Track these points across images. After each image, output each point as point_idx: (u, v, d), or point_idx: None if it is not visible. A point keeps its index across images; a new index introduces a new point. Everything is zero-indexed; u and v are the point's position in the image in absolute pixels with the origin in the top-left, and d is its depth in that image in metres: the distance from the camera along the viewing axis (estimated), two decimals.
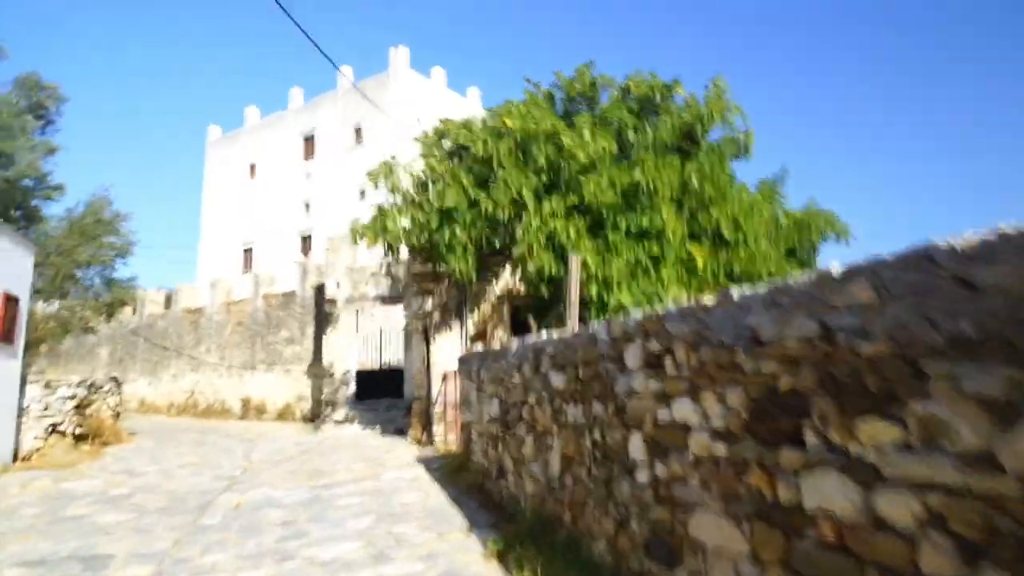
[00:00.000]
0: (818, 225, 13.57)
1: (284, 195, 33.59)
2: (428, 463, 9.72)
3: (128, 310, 25.73)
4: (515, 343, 6.25)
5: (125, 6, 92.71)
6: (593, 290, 10.73)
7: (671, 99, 13.90)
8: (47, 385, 10.96)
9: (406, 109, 30.54)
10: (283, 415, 19.61)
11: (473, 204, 11.63)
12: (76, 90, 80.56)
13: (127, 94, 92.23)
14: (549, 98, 13.78)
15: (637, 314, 3.63)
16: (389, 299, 17.29)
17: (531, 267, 10.91)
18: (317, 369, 18.49)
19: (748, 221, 13.91)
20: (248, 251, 34.38)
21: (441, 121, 13.62)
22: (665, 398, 3.29)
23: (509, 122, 11.79)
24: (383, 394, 16.91)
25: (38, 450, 10.67)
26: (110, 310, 14.49)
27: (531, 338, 5.98)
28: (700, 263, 11.52)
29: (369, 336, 17.56)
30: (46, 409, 10.89)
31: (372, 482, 8.33)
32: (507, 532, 5.20)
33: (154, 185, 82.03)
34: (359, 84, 32.91)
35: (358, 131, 31.97)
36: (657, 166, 11.53)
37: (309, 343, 19.35)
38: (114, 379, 14.12)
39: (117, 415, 13.95)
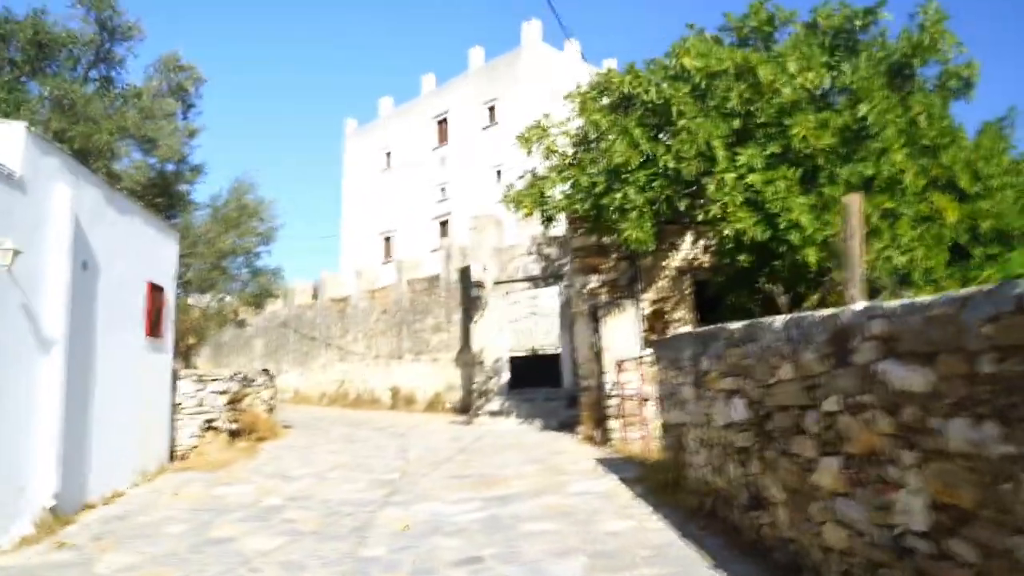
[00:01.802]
0: None
1: (420, 181, 33.19)
2: (616, 470, 8.05)
3: (279, 302, 26.18)
4: (777, 320, 4.39)
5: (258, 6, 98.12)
6: (811, 256, 8.56)
7: (872, 29, 11.31)
8: (199, 379, 10.39)
9: (540, 84, 29.02)
10: (433, 405, 18.75)
11: (647, 161, 9.77)
12: (217, 80, 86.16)
13: (265, 91, 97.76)
14: (717, 43, 11.57)
15: None
16: (541, 279, 15.79)
17: (727, 231, 8.90)
18: (466, 357, 17.40)
19: (988, 169, 11.12)
20: (388, 239, 34.39)
21: (598, 74, 11.81)
22: None
23: (688, 61, 9.77)
24: (538, 383, 15.47)
25: (194, 447, 10.09)
26: (258, 300, 14.09)
27: (781, 318, 4.15)
28: (951, 217, 9.03)
29: (520, 320, 16.18)
30: (200, 405, 10.30)
31: (557, 497, 6.77)
32: None
33: (295, 179, 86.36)
34: (491, 62, 31.79)
35: (491, 110, 30.84)
36: (886, 100, 9.13)
37: (456, 329, 18.32)
38: (266, 371, 13.62)
39: (271, 409, 13.43)
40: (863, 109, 8.87)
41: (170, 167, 11.82)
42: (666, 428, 7.17)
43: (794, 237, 8.58)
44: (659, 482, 6.62)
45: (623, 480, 7.34)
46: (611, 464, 8.54)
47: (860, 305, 3.45)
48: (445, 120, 33.15)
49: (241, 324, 15.09)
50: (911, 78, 10.93)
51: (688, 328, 9.10)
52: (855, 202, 4.71)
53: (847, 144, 9.21)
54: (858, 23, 11.19)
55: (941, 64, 11.16)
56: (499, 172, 28.83)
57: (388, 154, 35.96)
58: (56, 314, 6.34)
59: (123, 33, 11.04)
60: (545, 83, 28.74)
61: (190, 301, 12.53)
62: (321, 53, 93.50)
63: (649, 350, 10.50)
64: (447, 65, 56.26)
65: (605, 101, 11.44)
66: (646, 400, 9.20)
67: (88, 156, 10.52)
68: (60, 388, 6.27)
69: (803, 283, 9.14)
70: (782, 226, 8.61)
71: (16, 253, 5.68)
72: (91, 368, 7.19)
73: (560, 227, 15.86)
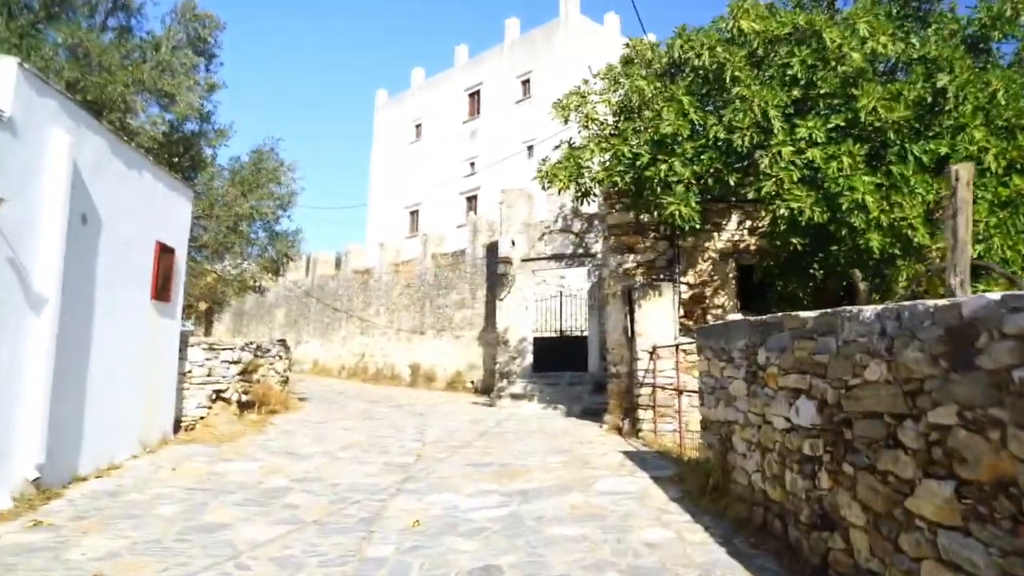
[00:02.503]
0: None
1: (449, 154, 32.46)
2: (648, 466, 7.39)
3: (301, 271, 25.79)
4: (867, 309, 3.67)
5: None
6: (875, 241, 7.74)
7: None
8: (210, 348, 9.90)
9: (577, 58, 28.00)
10: (453, 384, 18.23)
11: (695, 132, 8.97)
12: (248, 50, 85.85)
13: (297, 61, 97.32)
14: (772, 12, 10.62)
15: None
16: (570, 258, 15.07)
17: (782, 210, 8.10)
18: (489, 336, 16.81)
19: None
20: (414, 213, 33.80)
21: (642, 41, 10.96)
22: None
23: (746, 24, 8.92)
24: (563, 366, 14.83)
25: (201, 419, 9.64)
26: (276, 267, 13.58)
27: (871, 308, 3.44)
28: None
29: (547, 300, 15.50)
30: (209, 374, 9.83)
31: (583, 495, 6.14)
32: None
33: (325, 150, 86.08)
34: (527, 34, 30.81)
35: (525, 83, 29.92)
36: (968, 71, 8.23)
37: (480, 307, 17.71)
38: (282, 342, 13.14)
39: (285, 380, 12.98)
40: (943, 79, 7.96)
41: (192, 126, 11.27)
42: (707, 424, 6.48)
43: (857, 220, 7.76)
44: (699, 485, 5.95)
45: (656, 479, 6.67)
46: (643, 459, 7.88)
47: (996, 295, 2.72)
48: (477, 93, 32.30)
49: (260, 290, 14.61)
50: (987, 52, 9.96)
51: (736, 316, 8.34)
52: (965, 173, 3.93)
53: (921, 119, 8.33)
54: None
55: (1018, 40, 10.18)
56: (530, 148, 28.00)
57: (418, 126, 35.26)
58: (49, 270, 5.81)
59: None
60: (583, 57, 27.69)
61: (206, 265, 12.06)
62: (355, 23, 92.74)
63: (687, 338, 9.79)
64: (482, 36, 55.23)
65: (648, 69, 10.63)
66: (682, 391, 8.50)
67: (102, 108, 10.01)
68: (49, 350, 5.76)
69: (863, 270, 8.32)
70: (844, 207, 7.79)
71: (0, 201, 5.14)
72: (89, 331, 6.68)
73: (593, 204, 15.12)
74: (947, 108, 8.39)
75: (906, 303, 3.40)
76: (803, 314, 4.46)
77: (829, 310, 4.22)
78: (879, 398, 3.53)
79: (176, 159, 11.07)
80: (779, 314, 4.85)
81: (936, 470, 2.99)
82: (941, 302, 3.04)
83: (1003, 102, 8.77)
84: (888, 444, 3.37)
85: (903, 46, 8.51)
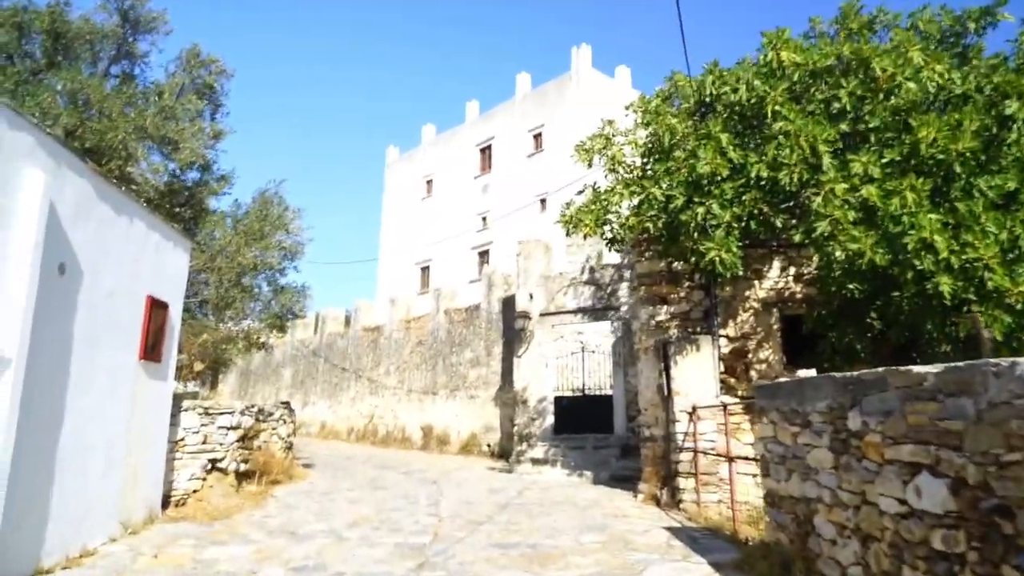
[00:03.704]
0: None
1: (461, 210, 32.09)
2: (700, 548, 6.38)
3: (309, 329, 25.03)
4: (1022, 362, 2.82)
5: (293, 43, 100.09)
6: (946, 286, 6.89)
7: (989, 32, 9.78)
8: (206, 412, 9.05)
9: (589, 110, 27.82)
10: (468, 447, 17.16)
11: (734, 171, 8.26)
12: (259, 107, 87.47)
13: (309, 118, 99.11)
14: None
15: None
16: (592, 311, 14.24)
17: (838, 252, 7.29)
18: (506, 395, 15.85)
19: None
20: (425, 269, 33.23)
21: (666, 80, 10.40)
22: None
23: (786, 55, 8.31)
24: (587, 428, 13.82)
25: (194, 492, 8.71)
26: (281, 323, 12.81)
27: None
28: None
29: (568, 356, 14.60)
30: (204, 442, 8.96)
31: None
32: None
33: (334, 207, 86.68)
34: (539, 88, 30.81)
35: (537, 137, 29.70)
36: None
37: (497, 364, 16.81)
38: (286, 404, 12.25)
39: (289, 447, 12.04)
40: (1012, 106, 7.25)
41: (194, 175, 10.71)
42: (776, 501, 5.52)
43: (925, 262, 6.94)
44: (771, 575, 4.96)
45: (717, 566, 5.67)
46: (692, 538, 6.86)
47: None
48: (489, 147, 32.13)
49: (264, 348, 13.82)
50: None
51: (807, 372, 7.44)
52: None
53: (984, 151, 7.59)
54: (972, 25, 9.68)
55: None
56: (543, 201, 27.57)
57: (429, 182, 35.06)
58: (12, 327, 5.03)
59: (146, 25, 10.07)
60: (594, 109, 27.48)
61: (205, 323, 11.31)
62: (366, 80, 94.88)
63: (731, 397, 8.86)
64: (492, 93, 55.91)
65: (677, 107, 10.04)
66: (733, 458, 7.53)
67: (102, 156, 9.46)
68: (9, 420, 4.93)
69: (932, 318, 7.45)
70: (909, 247, 6.98)
71: None
72: (62, 396, 5.86)
73: (615, 255, 14.37)
74: (1011, 139, 7.68)
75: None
76: (918, 369, 3.61)
77: (960, 363, 3.37)
78: None
79: (178, 209, 10.47)
80: (879, 369, 3.98)
81: None
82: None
83: None
84: None
85: (964, 73, 7.85)
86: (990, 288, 6.95)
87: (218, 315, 11.24)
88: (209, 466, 8.93)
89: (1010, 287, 6.83)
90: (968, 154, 7.16)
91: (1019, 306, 6.94)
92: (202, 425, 8.91)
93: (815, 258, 8.39)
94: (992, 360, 3.10)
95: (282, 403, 12.17)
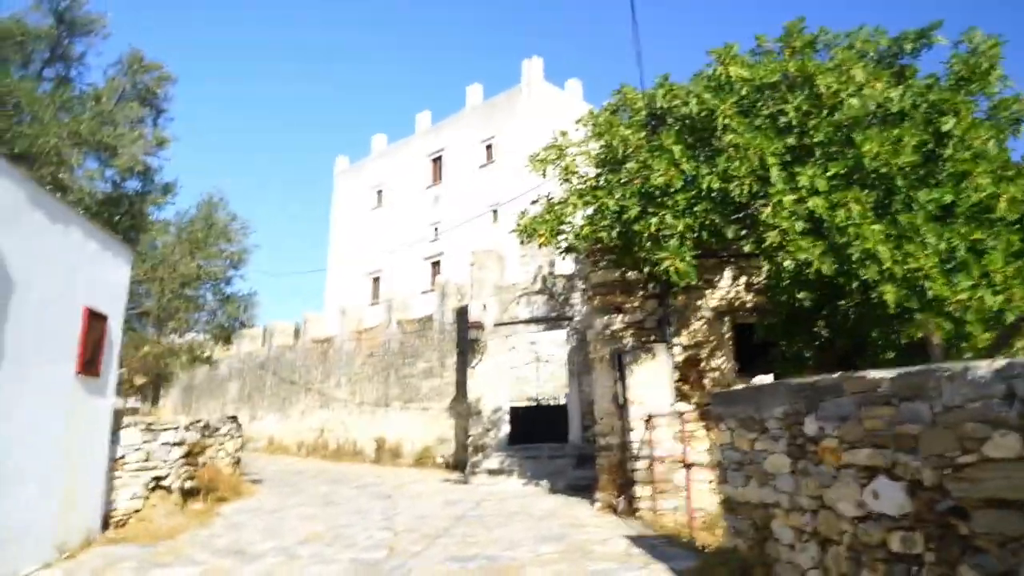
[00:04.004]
0: None
1: (412, 220, 31.85)
2: (660, 555, 6.39)
3: (257, 342, 24.37)
4: (982, 366, 2.90)
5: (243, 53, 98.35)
6: (889, 295, 7.11)
7: (924, 53, 10.17)
8: (147, 429, 8.67)
9: (540, 122, 28.02)
10: (422, 460, 16.93)
11: (687, 183, 8.39)
12: (204, 116, 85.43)
13: (256, 128, 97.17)
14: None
15: None
16: (546, 321, 14.26)
17: (787, 263, 7.46)
18: (461, 406, 15.71)
19: None
20: (376, 279, 32.81)
21: (615, 93, 10.51)
22: None
23: (734, 70, 8.50)
24: (542, 437, 13.78)
25: (136, 511, 8.32)
26: (227, 334, 12.37)
27: (987, 363, 2.71)
28: None
29: (522, 366, 14.57)
30: (147, 459, 8.57)
31: None
32: None
33: (282, 218, 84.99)
34: (490, 100, 30.87)
35: (489, 148, 29.75)
36: (969, 115, 7.89)
37: (450, 375, 16.65)
38: (233, 419, 11.86)
39: (236, 462, 11.65)
40: (948, 122, 7.57)
41: (134, 184, 10.28)
42: (733, 507, 5.57)
43: (869, 272, 7.16)
44: None
45: (676, 573, 5.68)
46: (651, 546, 6.87)
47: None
48: (440, 158, 32.02)
49: (209, 361, 13.33)
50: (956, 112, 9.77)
51: (764, 379, 7.58)
52: None
53: (923, 166, 7.90)
54: (908, 46, 10.06)
55: (988, 98, 10.04)
56: (495, 212, 27.57)
57: (379, 192, 34.70)
58: None
59: (83, 27, 9.66)
60: (546, 121, 27.72)
61: (147, 335, 10.85)
62: (315, 90, 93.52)
63: (686, 404, 8.96)
64: (443, 103, 55.80)
65: (626, 119, 10.15)
66: (690, 465, 7.59)
67: (33, 162, 9.01)
68: None
69: (876, 326, 7.68)
70: (854, 258, 7.19)
71: None
72: None
73: (568, 265, 14.44)
74: (947, 155, 8.01)
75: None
76: (874, 374, 3.68)
77: (913, 369, 3.45)
78: (1012, 481, 2.73)
79: (118, 218, 10.03)
80: (835, 375, 4.06)
81: None
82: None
83: (994, 153, 8.45)
84: None
85: (902, 91, 8.15)
86: (931, 297, 7.20)
87: (160, 327, 10.80)
88: (152, 484, 8.55)
89: (949, 295, 7.09)
90: (909, 168, 7.44)
91: (958, 314, 7.22)
92: (144, 442, 8.53)
93: (765, 268, 8.57)
94: (945, 365, 3.18)
95: (229, 418, 11.77)
